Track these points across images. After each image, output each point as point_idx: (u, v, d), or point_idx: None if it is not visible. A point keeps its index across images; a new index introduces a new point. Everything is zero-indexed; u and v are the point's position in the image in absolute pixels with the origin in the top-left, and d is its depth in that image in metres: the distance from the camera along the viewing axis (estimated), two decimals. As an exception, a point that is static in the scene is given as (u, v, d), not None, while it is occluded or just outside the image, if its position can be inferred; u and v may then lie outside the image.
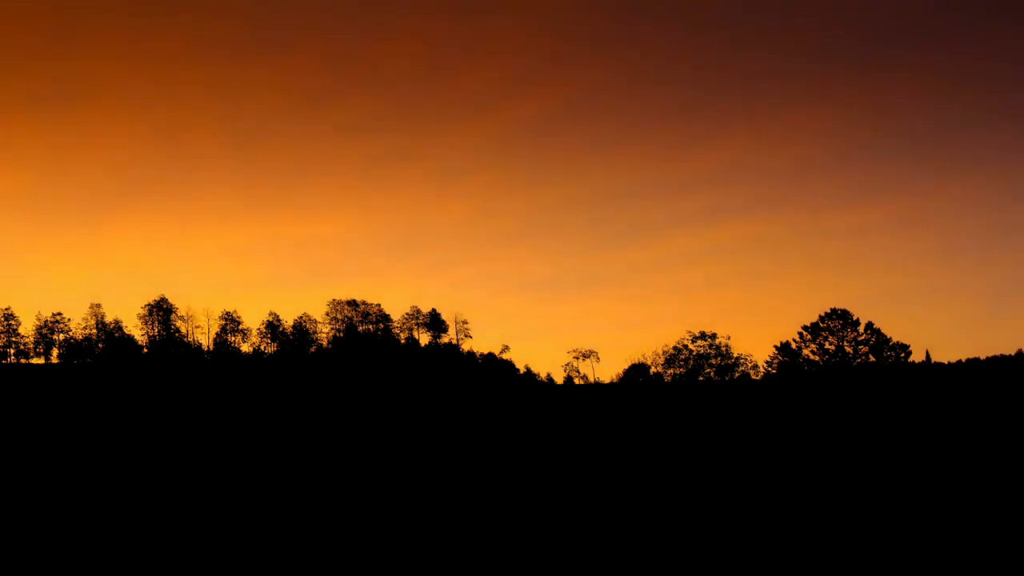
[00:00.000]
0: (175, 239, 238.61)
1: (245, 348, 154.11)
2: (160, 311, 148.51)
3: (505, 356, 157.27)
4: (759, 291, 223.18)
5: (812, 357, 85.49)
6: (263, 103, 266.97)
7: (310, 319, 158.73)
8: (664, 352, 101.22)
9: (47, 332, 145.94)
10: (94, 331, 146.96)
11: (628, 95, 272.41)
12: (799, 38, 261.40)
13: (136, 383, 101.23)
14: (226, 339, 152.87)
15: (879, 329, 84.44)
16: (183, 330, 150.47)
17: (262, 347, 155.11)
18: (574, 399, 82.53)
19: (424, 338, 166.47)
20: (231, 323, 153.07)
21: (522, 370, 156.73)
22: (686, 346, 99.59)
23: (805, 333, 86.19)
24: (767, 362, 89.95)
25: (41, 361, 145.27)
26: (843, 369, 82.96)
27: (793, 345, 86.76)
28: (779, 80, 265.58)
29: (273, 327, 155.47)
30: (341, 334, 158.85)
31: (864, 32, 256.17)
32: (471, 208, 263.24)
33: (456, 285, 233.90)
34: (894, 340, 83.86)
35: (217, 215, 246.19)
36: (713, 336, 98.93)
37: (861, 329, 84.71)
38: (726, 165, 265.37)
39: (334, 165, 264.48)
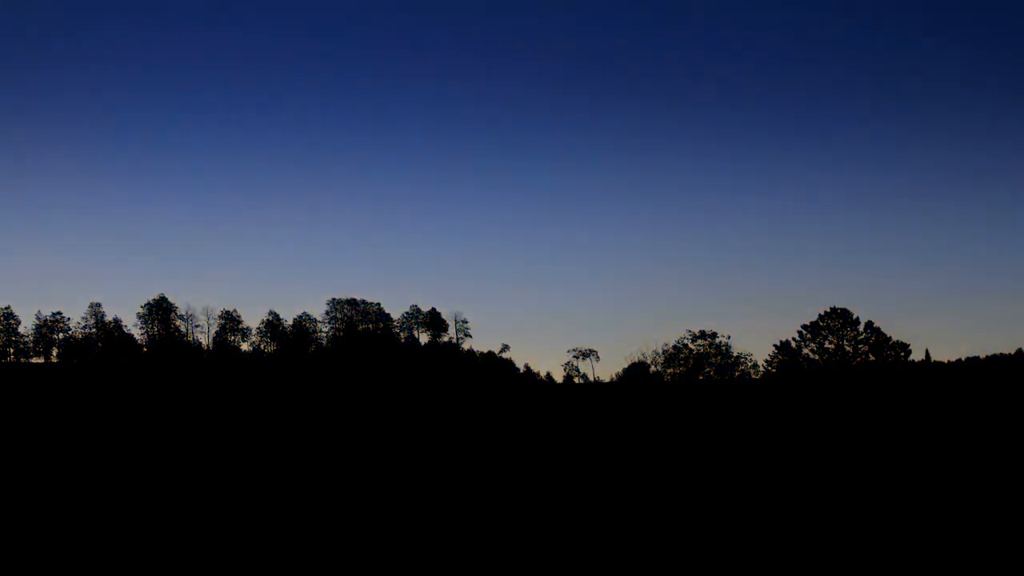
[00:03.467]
0: (175, 237, 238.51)
1: (245, 347, 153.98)
2: (160, 310, 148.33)
3: (505, 355, 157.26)
4: (759, 290, 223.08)
5: (812, 356, 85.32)
6: (258, 99, 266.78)
7: (310, 318, 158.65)
8: (664, 351, 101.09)
9: (47, 331, 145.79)
10: (93, 330, 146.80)
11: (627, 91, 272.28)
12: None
13: (136, 382, 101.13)
14: (226, 338, 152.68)
15: (879, 328, 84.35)
16: (183, 329, 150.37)
17: (262, 346, 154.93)
18: (574, 398, 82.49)
19: (424, 337, 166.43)
20: (231, 322, 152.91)
21: (522, 369, 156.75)
22: (686, 345, 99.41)
23: (805, 332, 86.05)
24: (767, 361, 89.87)
25: (41, 360, 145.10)
26: (843, 368, 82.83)
27: (793, 344, 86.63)
28: (776, 74, 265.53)
29: (273, 326, 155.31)
30: (341, 333, 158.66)
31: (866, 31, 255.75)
32: (471, 206, 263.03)
33: (456, 284, 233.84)
34: (894, 339, 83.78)
35: (217, 214, 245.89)
36: (713, 335, 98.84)
37: (861, 328, 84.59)
38: (731, 163, 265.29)
39: (336, 163, 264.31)
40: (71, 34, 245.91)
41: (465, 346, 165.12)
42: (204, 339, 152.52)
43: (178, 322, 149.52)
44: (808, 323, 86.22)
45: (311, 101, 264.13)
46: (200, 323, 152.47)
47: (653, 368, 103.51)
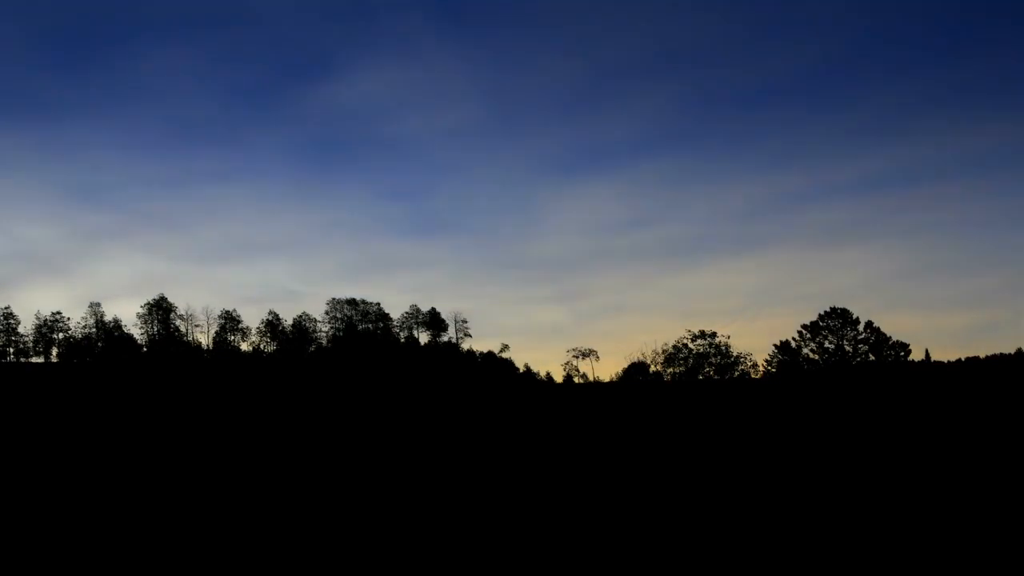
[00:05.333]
0: (177, 237, 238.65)
1: (245, 347, 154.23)
2: (159, 310, 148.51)
3: (504, 355, 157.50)
4: (759, 289, 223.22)
5: (812, 356, 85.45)
6: (257, 97, 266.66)
7: (309, 318, 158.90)
8: (664, 351, 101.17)
9: (46, 331, 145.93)
10: (93, 330, 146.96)
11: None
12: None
13: (135, 382, 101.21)
14: (226, 338, 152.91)
15: (878, 328, 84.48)
16: (183, 329, 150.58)
17: (262, 346, 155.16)
18: (574, 397, 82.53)
19: (424, 337, 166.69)
20: (230, 322, 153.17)
21: (521, 369, 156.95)
22: (686, 345, 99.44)
23: (805, 332, 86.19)
24: (767, 360, 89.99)
25: (41, 360, 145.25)
26: (842, 368, 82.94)
27: (793, 344, 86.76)
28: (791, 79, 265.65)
29: (273, 326, 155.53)
30: (341, 333, 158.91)
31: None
32: (471, 205, 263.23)
33: (456, 284, 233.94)
34: (894, 339, 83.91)
35: (217, 213, 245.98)
36: (713, 335, 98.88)
37: (861, 328, 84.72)
38: (730, 161, 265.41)
39: (335, 161, 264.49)
40: (75, 38, 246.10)
41: (465, 346, 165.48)
42: (204, 339, 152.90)
43: (178, 322, 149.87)
44: (808, 323, 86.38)
45: (310, 100, 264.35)
46: (200, 323, 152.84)
47: (653, 368, 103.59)
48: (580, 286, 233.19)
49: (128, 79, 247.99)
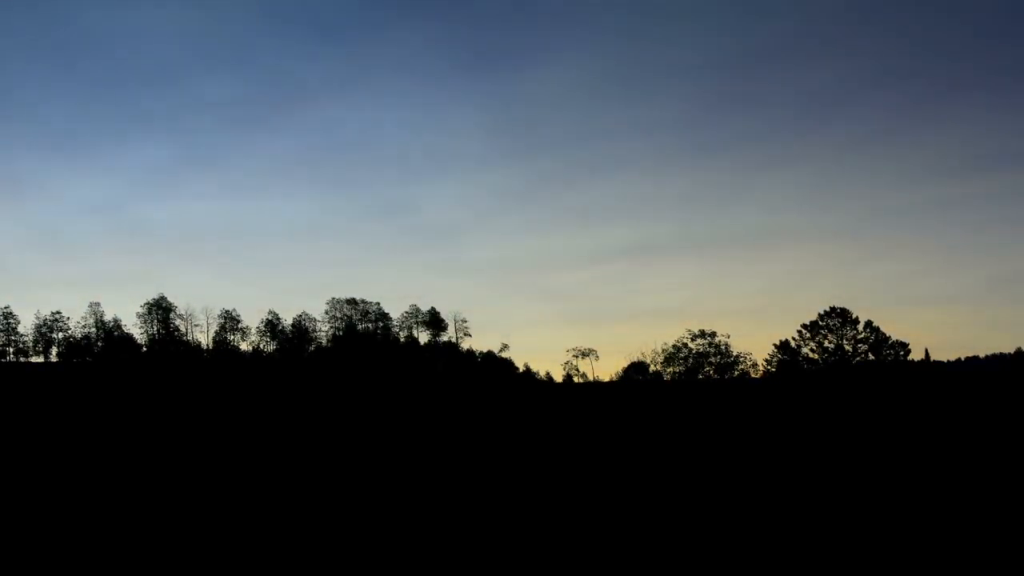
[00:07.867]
0: (177, 236, 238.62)
1: (244, 347, 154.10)
2: (159, 310, 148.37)
3: (504, 354, 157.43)
4: (758, 289, 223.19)
5: (811, 355, 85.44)
6: (256, 96, 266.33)
7: (309, 318, 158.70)
8: (663, 350, 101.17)
9: (46, 331, 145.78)
10: (93, 329, 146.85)
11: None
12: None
13: (135, 381, 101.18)
14: (225, 337, 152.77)
15: (878, 327, 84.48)
16: (182, 329, 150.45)
17: (261, 346, 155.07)
18: (574, 397, 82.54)
19: (423, 337, 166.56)
20: (230, 321, 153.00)
21: (521, 368, 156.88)
22: (685, 344, 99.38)
23: (804, 331, 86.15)
24: (767, 360, 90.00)
25: (40, 359, 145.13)
26: (842, 367, 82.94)
27: (792, 343, 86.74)
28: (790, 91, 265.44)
29: (272, 325, 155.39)
30: (340, 332, 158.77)
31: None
32: (471, 203, 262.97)
33: (456, 283, 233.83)
34: (893, 339, 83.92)
35: (217, 212, 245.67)
36: (712, 334, 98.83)
37: (860, 327, 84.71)
38: (728, 159, 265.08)
39: (334, 160, 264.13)
40: (72, 35, 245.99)
41: (464, 345, 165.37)
42: (204, 339, 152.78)
43: (178, 322, 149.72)
44: (808, 322, 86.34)
45: (310, 99, 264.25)
46: (200, 323, 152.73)
47: (653, 367, 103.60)
48: (580, 285, 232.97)
49: (128, 80, 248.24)
